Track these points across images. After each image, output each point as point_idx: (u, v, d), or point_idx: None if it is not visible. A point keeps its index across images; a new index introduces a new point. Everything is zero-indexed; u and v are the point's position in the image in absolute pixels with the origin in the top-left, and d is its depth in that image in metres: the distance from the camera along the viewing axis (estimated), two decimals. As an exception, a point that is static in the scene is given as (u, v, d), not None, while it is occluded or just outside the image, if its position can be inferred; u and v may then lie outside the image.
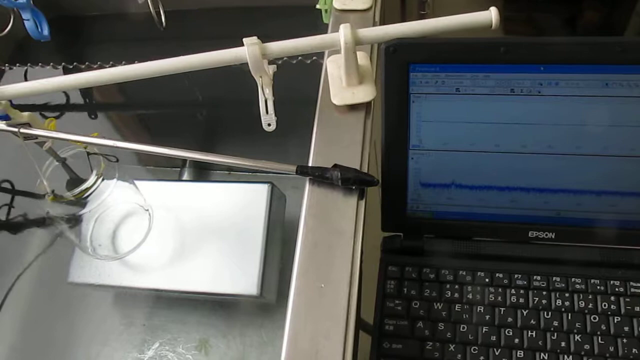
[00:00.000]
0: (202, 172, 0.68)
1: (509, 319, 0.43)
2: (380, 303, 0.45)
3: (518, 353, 0.42)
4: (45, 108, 0.72)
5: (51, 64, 0.72)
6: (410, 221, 0.47)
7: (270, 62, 0.43)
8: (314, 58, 0.63)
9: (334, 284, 0.38)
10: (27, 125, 0.46)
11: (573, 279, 0.45)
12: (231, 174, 0.67)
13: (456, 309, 0.44)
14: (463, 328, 0.43)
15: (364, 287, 0.41)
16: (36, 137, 0.47)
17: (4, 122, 0.46)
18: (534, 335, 0.42)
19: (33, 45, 0.65)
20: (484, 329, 0.43)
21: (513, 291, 0.45)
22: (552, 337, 0.42)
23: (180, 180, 0.66)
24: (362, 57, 0.47)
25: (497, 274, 0.45)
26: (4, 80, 0.74)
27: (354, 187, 0.42)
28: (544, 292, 0.44)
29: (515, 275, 0.45)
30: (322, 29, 0.52)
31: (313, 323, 0.36)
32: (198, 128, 0.74)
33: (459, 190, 0.45)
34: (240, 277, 0.51)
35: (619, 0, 0.71)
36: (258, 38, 0.41)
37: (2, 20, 0.65)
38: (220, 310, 0.57)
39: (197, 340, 0.55)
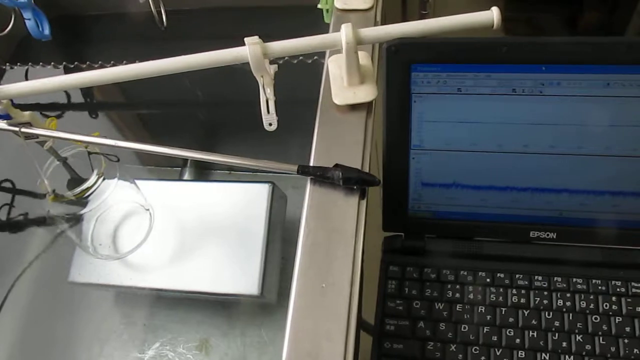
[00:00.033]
0: (203, 172, 0.68)
1: (510, 319, 0.43)
2: (381, 303, 0.45)
3: (519, 353, 0.42)
4: (46, 107, 0.72)
5: (52, 63, 0.72)
6: (411, 221, 0.47)
7: (272, 62, 0.43)
8: (315, 58, 0.63)
9: (335, 283, 0.38)
10: (28, 124, 0.46)
11: (574, 279, 0.45)
12: (232, 174, 0.67)
13: (457, 309, 0.44)
14: (464, 328, 0.43)
15: (364, 287, 0.41)
16: (37, 136, 0.47)
17: (5, 121, 0.46)
18: (535, 336, 0.42)
19: (34, 44, 0.65)
20: (485, 329, 0.43)
21: (514, 291, 0.44)
22: (554, 338, 0.42)
23: (181, 179, 0.66)
24: (364, 57, 0.47)
25: (498, 274, 0.45)
26: (5, 80, 0.74)
27: (355, 187, 0.42)
28: (545, 292, 0.44)
29: (517, 276, 0.45)
30: (323, 28, 0.52)
31: (314, 323, 0.36)
32: (199, 128, 0.74)
33: (460, 190, 0.45)
34: (241, 277, 0.51)
35: (619, 1, 0.71)
36: (259, 38, 0.41)
37: (3, 19, 0.65)
38: (220, 310, 0.57)
39: (197, 340, 0.55)
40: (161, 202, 0.57)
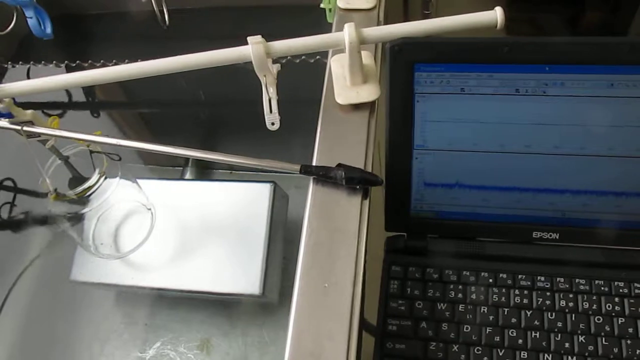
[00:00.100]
0: (204, 171, 0.68)
1: (513, 320, 0.43)
2: (383, 303, 0.45)
3: (522, 354, 0.42)
4: (48, 106, 0.72)
5: (54, 62, 0.72)
6: (414, 221, 0.47)
7: (274, 61, 0.43)
8: (318, 57, 0.63)
9: (338, 283, 0.38)
10: (30, 123, 0.46)
11: (577, 280, 0.44)
12: (233, 173, 0.67)
13: (460, 309, 0.44)
14: (466, 328, 0.43)
15: (367, 287, 0.41)
16: (39, 135, 0.47)
17: (7, 120, 0.46)
18: (537, 336, 0.42)
19: (36, 43, 0.65)
20: (487, 330, 0.43)
21: (517, 292, 0.44)
22: (556, 338, 0.42)
23: (182, 179, 0.66)
24: (367, 57, 0.47)
25: (500, 275, 0.45)
26: (7, 78, 0.74)
27: (358, 187, 0.42)
28: (548, 293, 0.44)
29: (519, 276, 0.45)
30: (326, 28, 0.52)
31: (317, 323, 0.36)
32: (201, 127, 0.74)
33: (463, 190, 0.45)
34: (243, 277, 0.51)
35: (621, 1, 0.71)
36: (262, 37, 0.41)
37: (5, 18, 0.65)
38: (222, 310, 0.57)
39: (199, 340, 0.55)
40: (163, 201, 0.57)
